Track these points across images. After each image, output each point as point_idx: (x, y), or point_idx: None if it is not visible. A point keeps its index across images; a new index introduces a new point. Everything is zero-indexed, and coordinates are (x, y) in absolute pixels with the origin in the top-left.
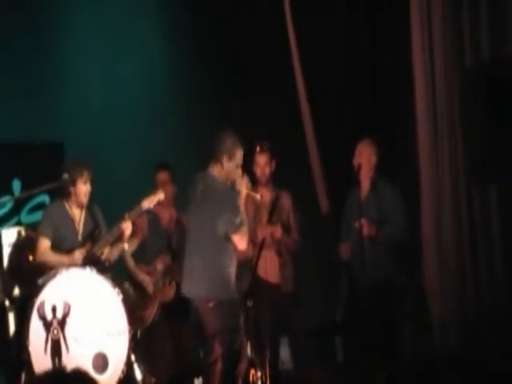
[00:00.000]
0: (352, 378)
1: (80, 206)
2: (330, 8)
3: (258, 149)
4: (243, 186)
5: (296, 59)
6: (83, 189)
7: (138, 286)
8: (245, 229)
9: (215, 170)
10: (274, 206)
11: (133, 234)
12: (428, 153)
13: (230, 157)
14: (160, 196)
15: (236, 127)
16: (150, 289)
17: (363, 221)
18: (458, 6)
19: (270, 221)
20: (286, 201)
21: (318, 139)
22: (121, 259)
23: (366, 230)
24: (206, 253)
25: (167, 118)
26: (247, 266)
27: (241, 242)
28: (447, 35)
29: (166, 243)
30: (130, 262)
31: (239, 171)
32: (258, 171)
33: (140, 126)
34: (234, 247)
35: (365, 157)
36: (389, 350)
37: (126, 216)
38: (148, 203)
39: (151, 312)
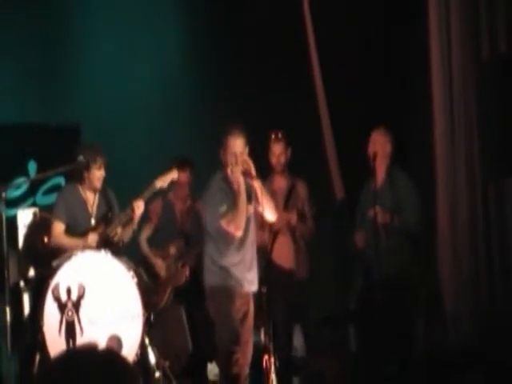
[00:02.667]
0: (364, 368)
1: (94, 191)
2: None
3: (273, 137)
4: (236, 172)
5: (313, 48)
6: (97, 174)
7: (150, 270)
8: (235, 213)
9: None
10: (290, 193)
11: (147, 220)
12: (444, 143)
13: (223, 146)
14: (174, 175)
15: (250, 116)
16: (163, 273)
17: (378, 209)
18: (476, 1)
19: (286, 208)
20: (302, 189)
21: (334, 127)
22: (135, 244)
23: (380, 218)
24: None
25: (181, 103)
26: (262, 252)
27: (230, 227)
28: (464, 28)
29: (179, 229)
30: (145, 247)
31: (233, 158)
32: (274, 159)
33: (155, 110)
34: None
35: (380, 145)
36: (402, 340)
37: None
38: (161, 182)
39: (163, 296)
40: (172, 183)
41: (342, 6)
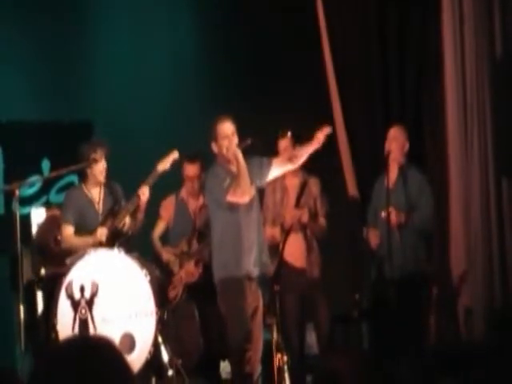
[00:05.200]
0: (377, 366)
1: (98, 185)
2: None
3: (282, 135)
4: (231, 147)
5: (326, 46)
6: (99, 166)
7: (163, 267)
8: (238, 180)
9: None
10: (302, 190)
11: (160, 217)
12: (457, 141)
13: (213, 137)
14: (174, 155)
15: (261, 113)
16: (176, 269)
17: (391, 209)
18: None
19: (298, 205)
20: (314, 186)
21: (347, 124)
22: (148, 241)
23: (393, 218)
24: None
25: (194, 100)
26: (274, 250)
27: (236, 195)
28: (478, 26)
29: (191, 226)
30: (158, 244)
31: (225, 141)
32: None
33: (168, 107)
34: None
35: (396, 143)
36: (414, 338)
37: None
38: (163, 166)
39: (177, 293)
40: (182, 178)
41: (356, 4)
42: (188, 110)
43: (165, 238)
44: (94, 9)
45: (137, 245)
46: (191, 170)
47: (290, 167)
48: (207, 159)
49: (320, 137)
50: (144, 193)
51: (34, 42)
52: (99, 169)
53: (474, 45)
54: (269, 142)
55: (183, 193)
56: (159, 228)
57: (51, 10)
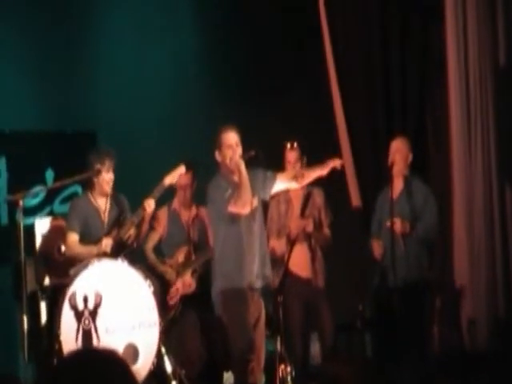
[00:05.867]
0: (380, 375)
1: (104, 195)
2: (364, 3)
3: (288, 146)
4: (234, 157)
5: (329, 53)
6: (106, 177)
7: (159, 278)
8: (239, 191)
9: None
10: (306, 201)
11: (152, 229)
12: (461, 149)
13: (218, 146)
14: (181, 170)
15: (262, 114)
16: (173, 280)
17: (396, 219)
18: (493, 5)
19: (302, 216)
20: (318, 197)
21: (350, 134)
22: (141, 253)
23: (398, 228)
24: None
25: (197, 107)
26: (279, 260)
27: (236, 206)
28: (481, 33)
29: (185, 236)
30: (151, 256)
31: (230, 150)
32: (289, 168)
33: (170, 116)
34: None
35: (400, 155)
36: (418, 347)
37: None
38: (170, 179)
39: (174, 304)
40: (174, 188)
41: (359, 7)
42: (192, 118)
43: (157, 249)
44: (95, 17)
45: (130, 256)
46: (183, 179)
47: (293, 185)
48: (208, 166)
49: (330, 165)
50: (150, 205)
51: (36, 51)
52: (106, 180)
53: (477, 52)
54: (269, 143)
55: (175, 203)
56: (152, 239)
57: (53, 22)
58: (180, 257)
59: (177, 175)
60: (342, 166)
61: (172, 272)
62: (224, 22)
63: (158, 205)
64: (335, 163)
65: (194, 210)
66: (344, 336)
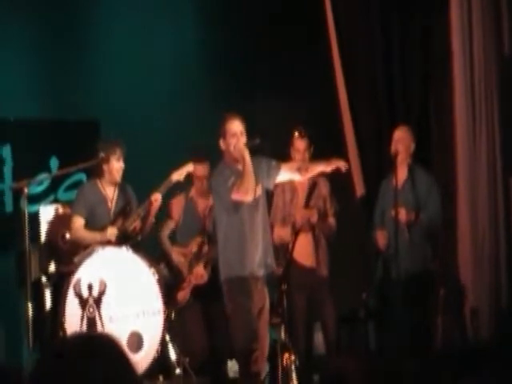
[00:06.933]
0: (383, 367)
1: (113, 184)
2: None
3: (296, 134)
4: (239, 145)
5: (334, 45)
6: (116, 166)
7: (172, 267)
8: (242, 178)
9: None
10: (311, 191)
11: (168, 216)
12: (465, 141)
13: (222, 134)
14: (189, 168)
15: (262, 112)
16: (185, 270)
17: (401, 208)
18: None
19: (307, 206)
20: (324, 187)
21: (355, 124)
22: (155, 240)
23: (403, 216)
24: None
25: (201, 95)
26: (283, 250)
27: (239, 193)
28: (486, 24)
29: (200, 226)
30: (166, 244)
31: (234, 138)
32: (297, 156)
33: (174, 103)
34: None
35: (403, 143)
36: (421, 337)
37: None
38: (177, 176)
39: (185, 294)
40: (191, 178)
41: (364, 5)
42: (196, 105)
43: (172, 237)
44: (98, 7)
45: (144, 243)
46: (200, 169)
47: (296, 177)
48: (212, 156)
49: (335, 164)
50: (156, 199)
51: (40, 41)
52: (116, 168)
53: (482, 44)
54: (269, 141)
55: (192, 193)
56: (168, 227)
57: (56, 9)
58: (194, 247)
59: (184, 173)
60: (346, 169)
61: (185, 262)
62: (225, 6)
63: (174, 193)
64: (340, 164)
65: (210, 200)
66: (347, 326)
